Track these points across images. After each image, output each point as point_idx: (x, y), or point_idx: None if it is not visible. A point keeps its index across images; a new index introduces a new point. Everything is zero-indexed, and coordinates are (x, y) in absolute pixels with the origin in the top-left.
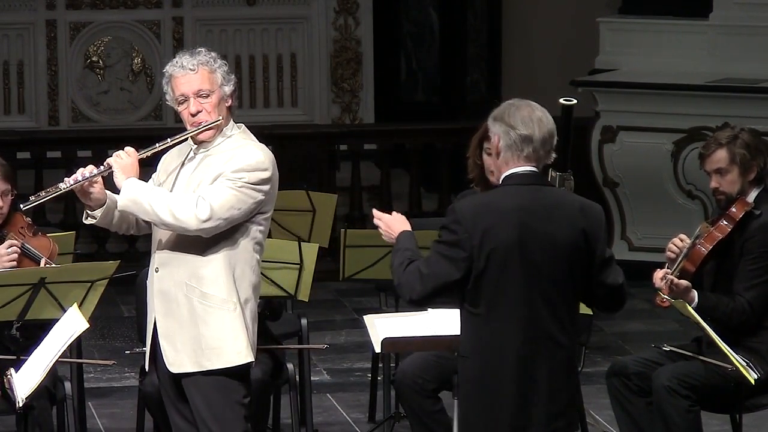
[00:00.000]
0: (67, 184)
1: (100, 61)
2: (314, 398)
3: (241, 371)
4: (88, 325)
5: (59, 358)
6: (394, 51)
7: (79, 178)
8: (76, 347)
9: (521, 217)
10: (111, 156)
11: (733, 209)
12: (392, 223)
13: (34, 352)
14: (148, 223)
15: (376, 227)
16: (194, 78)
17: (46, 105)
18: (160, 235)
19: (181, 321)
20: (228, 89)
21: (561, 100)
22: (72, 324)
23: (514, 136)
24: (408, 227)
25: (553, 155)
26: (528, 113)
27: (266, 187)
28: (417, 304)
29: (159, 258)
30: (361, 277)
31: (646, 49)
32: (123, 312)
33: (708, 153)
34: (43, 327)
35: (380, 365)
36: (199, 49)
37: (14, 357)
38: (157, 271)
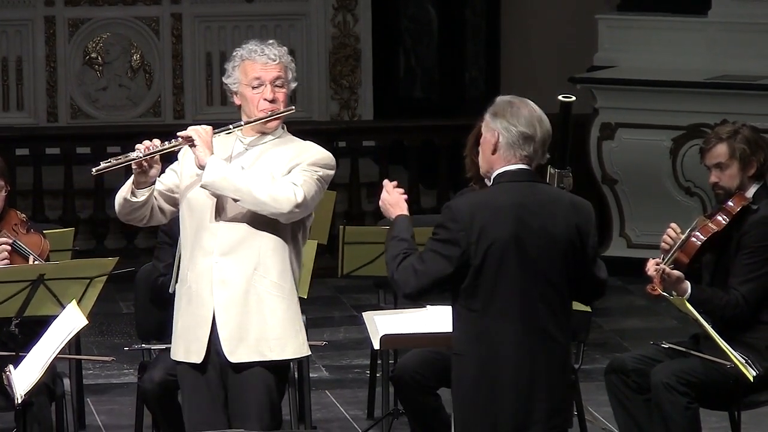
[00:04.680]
0: (139, 152)
1: (99, 58)
2: (313, 395)
3: (289, 366)
4: (86, 322)
5: (58, 354)
6: (392, 47)
7: (151, 149)
8: (75, 344)
9: (517, 214)
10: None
11: (730, 203)
12: (391, 204)
13: (33, 348)
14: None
15: (374, 224)
16: (274, 67)
17: (45, 101)
18: (219, 225)
19: (248, 310)
20: (293, 86)
21: (560, 97)
22: (71, 320)
23: (516, 133)
24: (405, 211)
25: (547, 155)
26: (530, 112)
27: (326, 187)
28: (410, 299)
29: (220, 247)
30: (359, 273)
31: (644, 46)
32: (122, 309)
33: (708, 147)
34: (42, 323)
35: (379, 362)
36: (272, 41)
37: (13, 353)
38: (217, 262)
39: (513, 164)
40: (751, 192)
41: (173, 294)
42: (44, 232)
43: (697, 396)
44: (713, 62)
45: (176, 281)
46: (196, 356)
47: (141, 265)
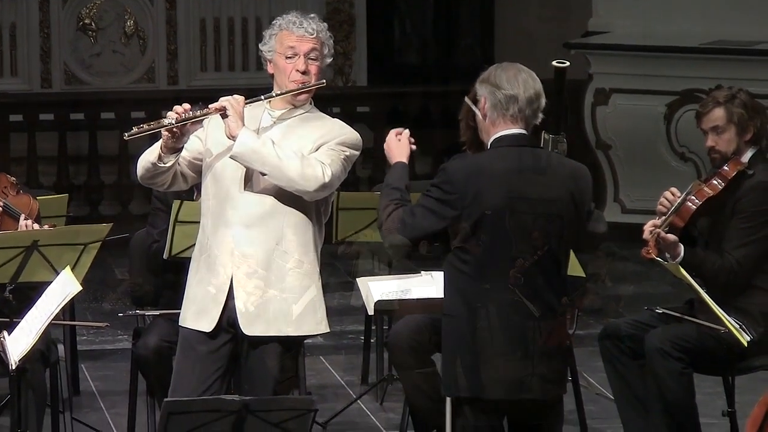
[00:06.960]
0: (171, 119)
1: (93, 24)
2: (307, 361)
3: (302, 342)
4: (80, 288)
5: (52, 320)
6: (387, 13)
7: (184, 117)
8: (69, 310)
9: (512, 181)
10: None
11: (726, 168)
12: (394, 148)
13: (27, 314)
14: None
15: (369, 190)
16: (310, 40)
17: (39, 68)
18: (244, 196)
19: (267, 284)
20: (328, 61)
21: (554, 63)
22: (65, 287)
23: (500, 95)
24: (405, 158)
25: (541, 116)
26: (513, 74)
27: (350, 167)
28: (393, 250)
29: (244, 219)
30: (354, 239)
31: (639, 12)
32: (116, 275)
33: (705, 111)
34: (36, 289)
35: (373, 328)
36: (313, 15)
37: (7, 320)
38: (240, 233)
39: (508, 128)
40: (746, 157)
41: (168, 261)
42: (38, 198)
43: (691, 361)
44: (708, 27)
45: (170, 248)
46: (208, 324)
47: (135, 232)
